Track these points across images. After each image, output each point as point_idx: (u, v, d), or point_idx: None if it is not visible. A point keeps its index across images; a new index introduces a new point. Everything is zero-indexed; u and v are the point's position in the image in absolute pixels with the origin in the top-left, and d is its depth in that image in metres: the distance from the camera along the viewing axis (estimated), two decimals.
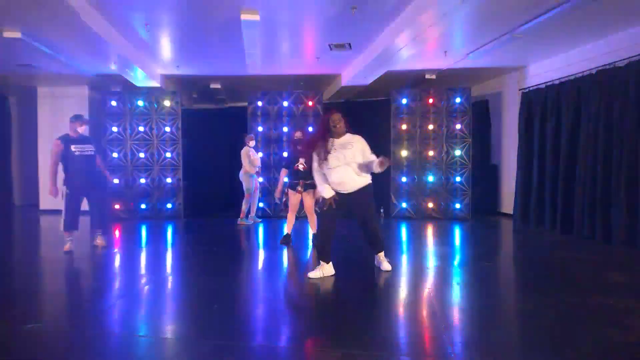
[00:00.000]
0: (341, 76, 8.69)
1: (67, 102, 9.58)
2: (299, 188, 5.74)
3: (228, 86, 9.57)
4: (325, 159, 4.15)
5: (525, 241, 6.63)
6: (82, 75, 8.50)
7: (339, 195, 4.23)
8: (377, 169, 4.02)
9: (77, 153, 5.40)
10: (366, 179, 4.24)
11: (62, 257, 5.27)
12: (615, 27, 5.80)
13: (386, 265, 4.42)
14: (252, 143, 7.81)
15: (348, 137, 4.23)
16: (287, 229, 5.99)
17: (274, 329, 3.12)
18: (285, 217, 6.12)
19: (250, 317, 3.36)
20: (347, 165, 4.13)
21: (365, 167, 4.19)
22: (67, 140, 5.47)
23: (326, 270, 4.31)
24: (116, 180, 8.15)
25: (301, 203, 5.91)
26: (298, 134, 6.01)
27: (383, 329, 3.05)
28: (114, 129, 8.50)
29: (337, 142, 4.20)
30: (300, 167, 5.74)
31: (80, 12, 4.91)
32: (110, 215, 5.78)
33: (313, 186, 5.77)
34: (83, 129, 5.61)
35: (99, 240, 5.70)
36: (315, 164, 4.31)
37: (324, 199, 4.28)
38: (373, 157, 4.15)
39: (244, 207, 7.80)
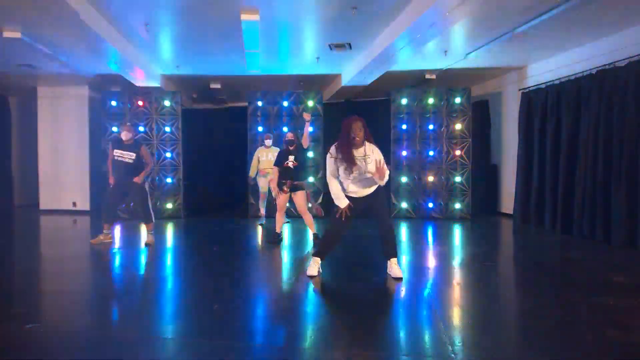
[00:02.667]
0: (341, 76, 8.69)
1: (67, 102, 9.59)
2: (285, 188, 5.77)
3: (228, 86, 9.57)
4: (351, 171, 4.05)
5: (525, 241, 6.63)
6: (82, 75, 8.51)
7: (352, 200, 4.17)
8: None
9: (116, 157, 5.77)
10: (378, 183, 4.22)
11: (61, 257, 5.28)
12: (615, 27, 5.80)
13: (396, 272, 4.20)
14: (268, 142, 7.50)
15: (366, 148, 4.11)
16: (277, 228, 6.04)
17: (274, 329, 3.12)
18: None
19: (250, 317, 3.36)
20: (364, 177, 4.10)
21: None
22: (115, 142, 5.89)
23: (317, 267, 4.33)
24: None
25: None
26: (290, 135, 6.03)
27: (383, 329, 3.05)
28: (114, 129, 8.49)
29: (356, 152, 4.09)
30: (290, 164, 5.78)
31: (80, 12, 4.91)
32: (149, 211, 5.90)
33: (301, 187, 5.81)
34: (124, 135, 5.79)
35: (149, 238, 5.91)
36: (329, 172, 4.18)
37: (338, 207, 4.18)
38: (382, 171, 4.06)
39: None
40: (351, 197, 4.19)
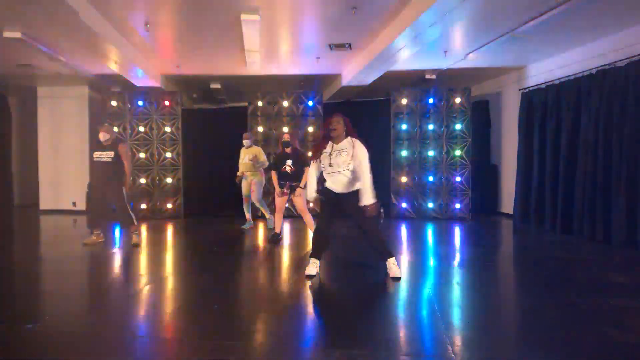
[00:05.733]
0: (341, 76, 8.69)
1: (67, 102, 9.60)
2: (285, 190, 5.79)
3: (228, 86, 9.57)
4: (318, 160, 4.21)
5: (525, 241, 6.63)
6: (82, 75, 8.51)
7: (334, 195, 4.23)
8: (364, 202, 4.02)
9: (95, 159, 5.76)
10: (360, 183, 4.18)
11: (61, 257, 5.27)
12: (615, 27, 5.80)
13: (395, 271, 4.22)
14: (246, 142, 7.11)
15: (346, 142, 4.17)
16: (276, 228, 6.07)
17: (273, 328, 3.12)
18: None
19: (250, 317, 3.36)
20: (341, 172, 4.13)
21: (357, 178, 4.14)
22: (95, 144, 5.91)
23: (316, 267, 4.36)
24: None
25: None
26: (286, 136, 5.99)
27: (383, 329, 3.05)
28: (114, 129, 8.49)
29: (336, 147, 4.19)
30: (288, 169, 5.78)
31: (80, 12, 4.91)
32: (128, 214, 5.84)
33: (300, 187, 5.83)
34: (102, 136, 5.73)
35: (134, 239, 5.90)
36: (311, 165, 4.35)
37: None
38: (365, 176, 4.03)
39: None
40: (331, 190, 4.24)
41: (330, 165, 4.17)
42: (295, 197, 5.84)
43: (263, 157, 7.10)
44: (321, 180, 4.38)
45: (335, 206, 4.26)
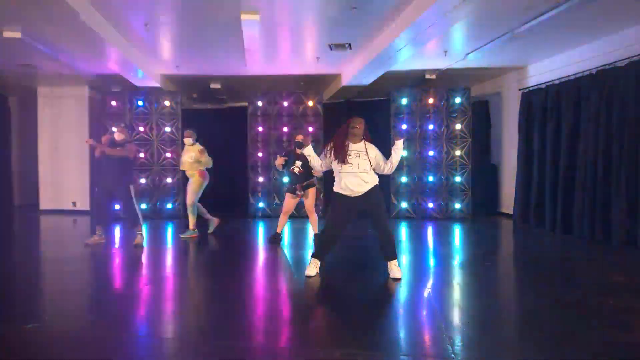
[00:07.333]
0: (341, 76, 8.69)
1: (67, 102, 9.59)
2: (299, 192, 5.75)
3: (228, 86, 9.57)
4: (344, 162, 4.14)
5: (525, 241, 6.63)
6: (82, 75, 8.51)
7: (347, 200, 4.19)
8: (399, 153, 4.24)
9: (106, 154, 5.75)
10: (373, 181, 4.23)
11: (61, 258, 5.27)
12: (615, 27, 5.80)
13: (395, 272, 4.22)
14: (186, 140, 6.52)
15: (363, 145, 4.23)
16: (278, 228, 6.03)
17: (274, 329, 3.12)
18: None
19: (250, 317, 3.36)
20: (359, 173, 4.13)
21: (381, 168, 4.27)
22: (108, 142, 5.88)
23: (316, 267, 4.35)
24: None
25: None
26: (299, 137, 5.92)
27: (383, 329, 3.05)
28: (114, 129, 8.48)
29: (353, 147, 4.21)
30: (296, 170, 5.75)
31: (81, 12, 4.91)
32: (135, 213, 5.84)
33: (312, 185, 5.80)
34: (117, 136, 5.86)
35: (138, 239, 5.85)
36: (320, 158, 4.33)
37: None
38: (389, 160, 4.24)
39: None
40: (346, 195, 4.20)
41: (349, 164, 4.13)
42: (305, 197, 5.82)
43: (205, 157, 6.39)
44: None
45: (351, 210, 4.25)
